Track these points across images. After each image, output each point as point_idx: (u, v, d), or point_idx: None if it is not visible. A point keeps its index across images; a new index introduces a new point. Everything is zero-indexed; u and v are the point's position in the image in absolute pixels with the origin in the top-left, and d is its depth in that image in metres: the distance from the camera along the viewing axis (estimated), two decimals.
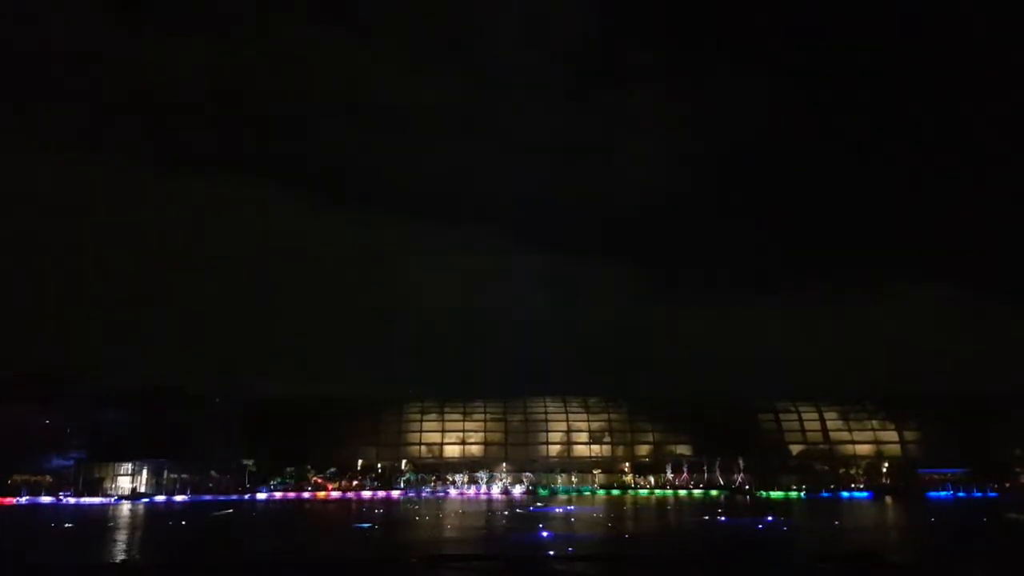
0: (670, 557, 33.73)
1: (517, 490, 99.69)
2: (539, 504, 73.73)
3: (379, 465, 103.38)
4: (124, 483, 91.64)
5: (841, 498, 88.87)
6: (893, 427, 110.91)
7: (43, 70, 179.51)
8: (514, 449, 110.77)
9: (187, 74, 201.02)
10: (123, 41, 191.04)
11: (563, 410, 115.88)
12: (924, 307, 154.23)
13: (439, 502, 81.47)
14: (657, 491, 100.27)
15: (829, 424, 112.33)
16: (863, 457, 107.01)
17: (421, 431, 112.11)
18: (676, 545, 38.72)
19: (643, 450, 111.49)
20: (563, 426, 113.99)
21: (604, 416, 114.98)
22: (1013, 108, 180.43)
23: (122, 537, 43.45)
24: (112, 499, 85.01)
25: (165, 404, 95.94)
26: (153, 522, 56.33)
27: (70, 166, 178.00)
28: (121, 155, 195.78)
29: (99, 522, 55.31)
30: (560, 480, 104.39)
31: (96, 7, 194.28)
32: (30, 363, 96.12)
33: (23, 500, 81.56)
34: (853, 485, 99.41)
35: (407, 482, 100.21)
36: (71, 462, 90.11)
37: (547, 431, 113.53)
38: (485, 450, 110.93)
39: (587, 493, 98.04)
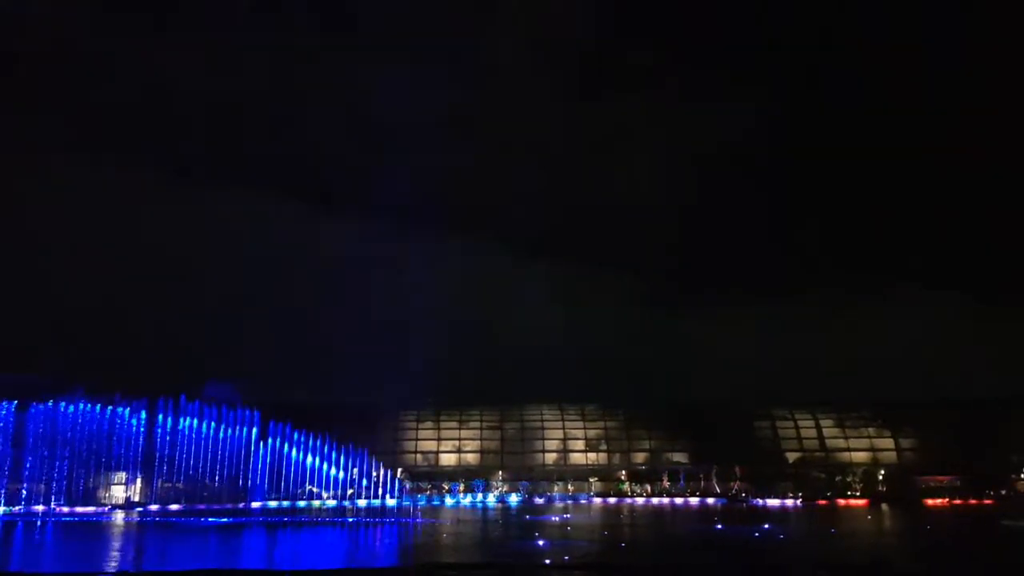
0: (666, 566, 33.61)
1: (513, 499, 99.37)
2: (535, 512, 73.50)
3: (374, 473, 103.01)
4: (118, 492, 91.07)
5: (837, 506, 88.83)
6: (889, 434, 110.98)
7: (40, 73, 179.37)
8: (510, 457, 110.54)
9: (185, 79, 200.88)
10: (121, 45, 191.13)
11: (559, 418, 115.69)
12: (920, 314, 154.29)
13: (434, 511, 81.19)
14: (654, 499, 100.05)
15: (825, 431, 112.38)
16: (859, 464, 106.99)
17: (416, 439, 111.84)
18: (672, 554, 38.57)
19: (640, 458, 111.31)
20: (559, 434, 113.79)
21: (601, 424, 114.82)
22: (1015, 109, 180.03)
23: (117, 547, 43.18)
24: (106, 508, 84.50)
25: (161, 411, 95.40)
26: (150, 531, 56.01)
27: (69, 170, 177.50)
28: (120, 159, 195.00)
29: (97, 532, 54.93)
30: (556, 488, 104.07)
31: (93, 9, 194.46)
32: (24, 367, 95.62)
33: (17, 509, 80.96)
34: (849, 493, 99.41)
35: (402, 491, 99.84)
36: (64, 470, 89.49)
37: (543, 439, 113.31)
38: (481, 458, 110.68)
39: (583, 501, 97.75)
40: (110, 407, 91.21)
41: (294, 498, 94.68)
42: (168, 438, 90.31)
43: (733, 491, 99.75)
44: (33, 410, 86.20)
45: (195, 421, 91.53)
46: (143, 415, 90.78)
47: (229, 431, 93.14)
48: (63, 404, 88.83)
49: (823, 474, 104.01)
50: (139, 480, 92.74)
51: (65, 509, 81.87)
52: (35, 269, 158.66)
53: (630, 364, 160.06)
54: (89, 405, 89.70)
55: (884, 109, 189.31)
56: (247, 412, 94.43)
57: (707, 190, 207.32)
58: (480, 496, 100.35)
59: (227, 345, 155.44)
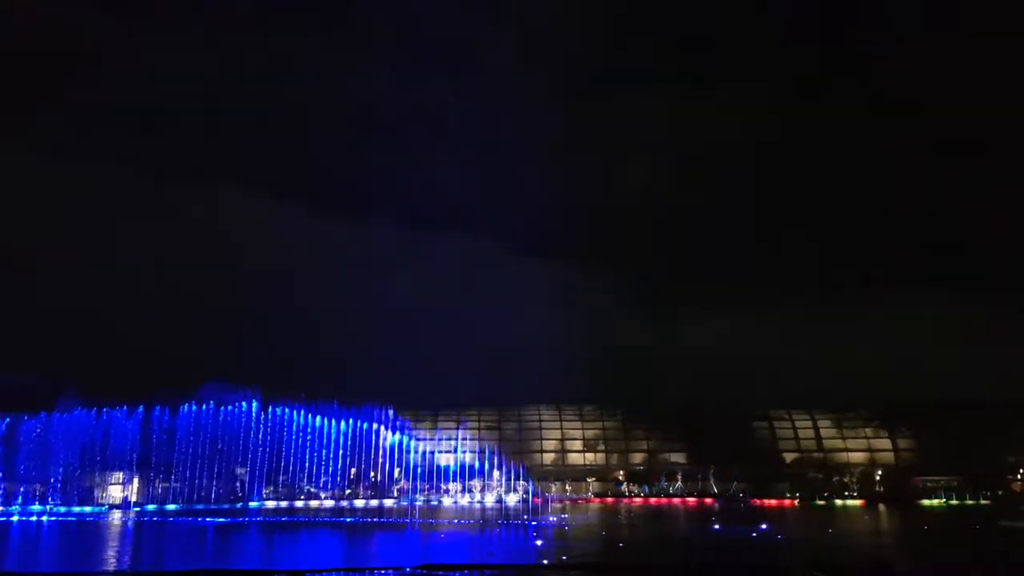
0: (664, 566, 33.64)
1: (511, 499, 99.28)
2: (533, 513, 73.46)
3: (372, 473, 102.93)
4: (115, 492, 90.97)
5: (835, 506, 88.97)
6: (886, 435, 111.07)
7: (37, 72, 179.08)
8: (508, 457, 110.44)
9: (182, 79, 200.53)
10: (119, 45, 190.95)
11: (557, 418, 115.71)
12: (918, 314, 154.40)
13: (432, 511, 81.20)
14: (652, 499, 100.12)
15: (823, 432, 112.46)
16: (857, 465, 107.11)
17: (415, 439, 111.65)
18: (670, 554, 38.61)
19: (638, 458, 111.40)
20: (557, 434, 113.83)
21: (598, 424, 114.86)
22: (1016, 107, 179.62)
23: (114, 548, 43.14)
24: (103, 508, 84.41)
25: (158, 411, 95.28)
26: (150, 533, 55.98)
27: (66, 169, 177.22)
28: (117, 159, 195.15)
29: (95, 534, 54.88)
30: (555, 488, 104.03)
31: (91, 8, 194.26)
32: (21, 369, 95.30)
33: (13, 510, 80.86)
34: (847, 493, 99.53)
35: (400, 491, 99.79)
36: (60, 470, 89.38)
37: (541, 439, 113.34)
38: (479, 458, 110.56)
39: (582, 502, 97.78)
40: (106, 407, 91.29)
41: (292, 498, 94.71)
42: (165, 437, 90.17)
43: (731, 491, 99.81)
44: (30, 412, 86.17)
45: (195, 412, 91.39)
46: (140, 414, 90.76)
47: (230, 412, 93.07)
48: (60, 406, 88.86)
49: (820, 474, 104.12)
50: (136, 480, 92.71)
51: (62, 509, 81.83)
52: (31, 269, 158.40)
53: (628, 364, 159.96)
54: (86, 406, 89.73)
55: (884, 109, 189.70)
56: (246, 407, 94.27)
57: (707, 190, 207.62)
58: (478, 496, 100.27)
59: (222, 346, 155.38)
